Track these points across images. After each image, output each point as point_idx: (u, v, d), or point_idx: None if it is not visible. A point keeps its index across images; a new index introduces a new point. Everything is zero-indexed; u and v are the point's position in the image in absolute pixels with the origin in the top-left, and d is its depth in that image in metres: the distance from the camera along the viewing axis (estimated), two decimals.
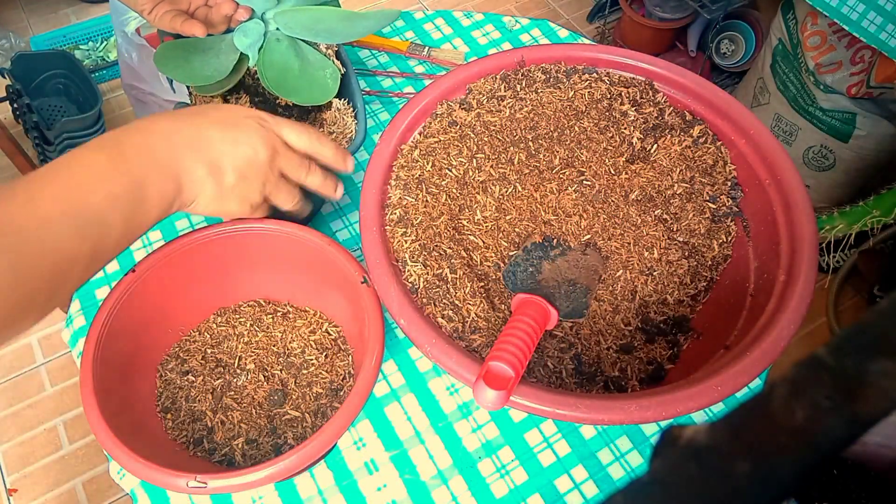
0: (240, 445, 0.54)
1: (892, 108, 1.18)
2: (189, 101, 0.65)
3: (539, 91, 0.65)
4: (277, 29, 0.64)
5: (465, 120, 0.63)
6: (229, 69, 0.61)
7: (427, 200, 0.59)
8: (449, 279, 0.53)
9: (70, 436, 1.21)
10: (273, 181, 0.51)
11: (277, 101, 0.66)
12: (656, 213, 0.59)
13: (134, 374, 0.55)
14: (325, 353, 0.58)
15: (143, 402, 0.55)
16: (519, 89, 0.65)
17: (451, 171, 0.60)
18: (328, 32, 0.64)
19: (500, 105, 0.64)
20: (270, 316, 0.61)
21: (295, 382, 0.57)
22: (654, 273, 0.57)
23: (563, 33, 0.87)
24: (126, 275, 0.53)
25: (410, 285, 0.53)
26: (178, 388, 0.57)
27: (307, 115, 0.68)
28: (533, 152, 0.62)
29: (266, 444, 0.54)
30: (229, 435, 0.54)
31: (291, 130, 0.52)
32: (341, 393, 0.57)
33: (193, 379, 0.57)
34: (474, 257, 0.57)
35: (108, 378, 0.50)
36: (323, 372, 0.57)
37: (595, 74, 0.66)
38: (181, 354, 0.59)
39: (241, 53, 0.62)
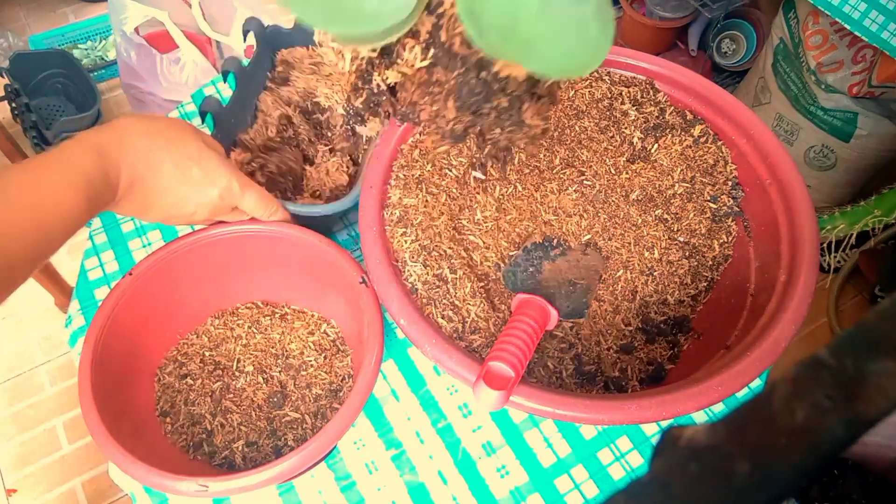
0: (240, 448, 0.54)
1: (894, 107, 1.18)
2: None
3: None
4: None
5: None
6: (411, 3, 0.31)
7: (427, 200, 0.59)
8: (449, 279, 0.53)
9: (70, 436, 1.21)
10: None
11: (487, 73, 0.32)
12: (657, 212, 0.59)
13: (132, 379, 0.55)
14: (323, 355, 0.58)
15: (142, 407, 0.55)
16: None
17: (450, 170, 0.60)
18: None
19: None
20: (268, 318, 0.61)
21: (294, 384, 0.57)
22: (655, 273, 0.57)
23: None
24: (123, 278, 0.53)
25: (410, 285, 0.53)
26: (177, 392, 0.57)
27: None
28: (533, 152, 0.62)
29: (266, 447, 0.54)
30: (229, 438, 0.54)
31: (254, 206, 0.54)
32: (341, 394, 0.56)
33: (192, 382, 0.57)
34: (474, 257, 0.57)
35: (107, 383, 0.50)
36: (322, 373, 0.57)
37: (595, 74, 0.65)
38: (179, 358, 0.58)
39: None
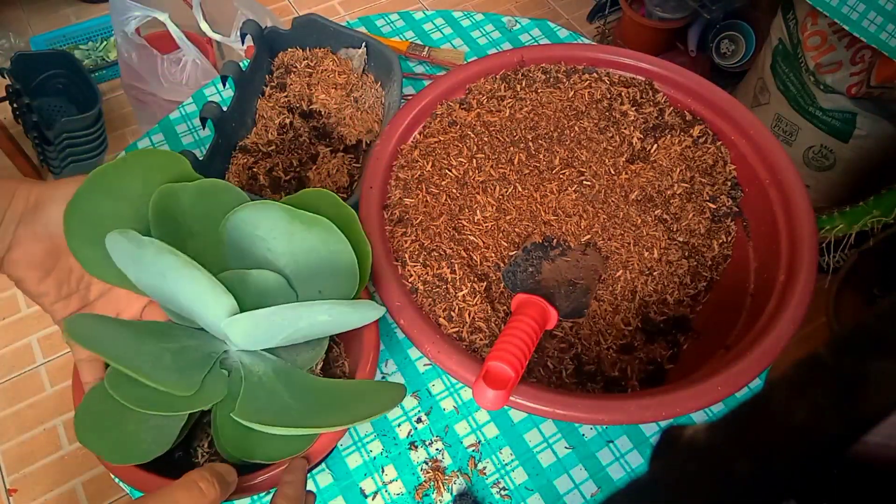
0: None
1: (893, 108, 1.18)
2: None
3: (539, 91, 0.65)
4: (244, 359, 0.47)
5: (465, 120, 0.63)
6: (173, 435, 0.43)
7: (427, 200, 0.59)
8: (449, 279, 0.53)
9: (70, 436, 1.21)
10: None
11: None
12: (656, 213, 0.59)
13: None
14: None
15: None
16: (519, 89, 0.65)
17: (451, 171, 0.60)
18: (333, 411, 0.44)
19: (500, 105, 0.64)
20: None
21: None
22: (654, 273, 0.57)
23: (563, 33, 0.87)
24: None
25: (410, 285, 0.53)
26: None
27: None
28: (533, 152, 0.62)
29: None
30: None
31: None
32: None
33: None
34: (474, 257, 0.57)
35: None
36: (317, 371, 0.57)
37: (595, 74, 0.66)
38: None
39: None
